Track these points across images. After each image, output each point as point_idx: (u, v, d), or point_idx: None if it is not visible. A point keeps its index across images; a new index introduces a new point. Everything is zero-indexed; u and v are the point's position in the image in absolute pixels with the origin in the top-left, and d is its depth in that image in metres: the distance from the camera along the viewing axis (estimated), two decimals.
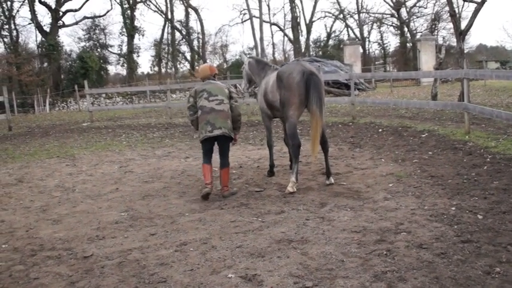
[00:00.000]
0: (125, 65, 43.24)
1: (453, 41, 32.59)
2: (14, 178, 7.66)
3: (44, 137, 13.59)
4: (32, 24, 36.24)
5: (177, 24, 46.36)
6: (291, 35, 47.94)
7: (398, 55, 46.51)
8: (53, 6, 36.28)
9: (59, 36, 37.60)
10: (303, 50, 45.59)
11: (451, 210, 4.45)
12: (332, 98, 18.65)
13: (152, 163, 8.28)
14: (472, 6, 14.91)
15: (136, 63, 43.95)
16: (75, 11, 39.38)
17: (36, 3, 35.76)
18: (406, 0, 43.40)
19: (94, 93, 29.70)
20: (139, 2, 42.46)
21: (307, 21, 48.34)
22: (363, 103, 14.30)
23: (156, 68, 48.86)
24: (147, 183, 6.71)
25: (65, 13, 38.14)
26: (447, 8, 18.76)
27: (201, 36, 47.43)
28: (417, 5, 43.10)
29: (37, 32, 36.55)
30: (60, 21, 38.00)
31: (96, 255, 3.97)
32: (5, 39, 36.33)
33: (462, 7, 30.70)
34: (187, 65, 49.22)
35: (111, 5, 48.98)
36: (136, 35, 42.20)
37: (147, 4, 43.62)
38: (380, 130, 10.16)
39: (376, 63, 48.72)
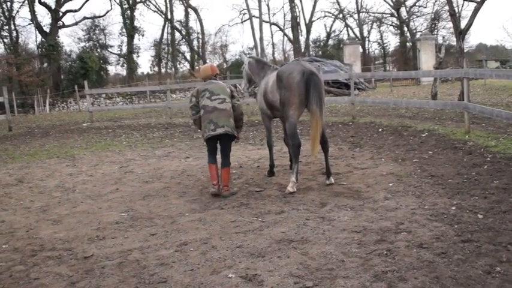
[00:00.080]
0: (125, 65, 43.25)
1: (453, 40, 32.62)
2: (14, 178, 7.66)
3: (44, 138, 13.59)
4: (32, 25, 36.28)
5: (177, 24, 46.37)
6: (290, 35, 47.94)
7: (398, 55, 46.50)
8: (53, 7, 36.28)
9: (58, 37, 37.65)
10: (302, 50, 45.59)
11: (451, 209, 4.45)
12: (332, 97, 18.66)
13: (152, 163, 8.28)
14: (472, 6, 14.91)
15: (136, 64, 43.97)
16: (75, 11, 39.42)
17: (36, 3, 35.78)
18: None
19: (94, 94, 29.69)
20: (139, 2, 42.47)
21: (307, 21, 48.35)
22: (363, 103, 14.30)
23: (156, 68, 48.90)
24: (147, 183, 6.71)
25: (64, 13, 38.15)
26: (447, 7, 18.78)
27: (200, 36, 47.48)
28: (417, 4, 43.12)
29: (37, 32, 36.59)
30: (60, 22, 38.00)
31: (96, 255, 3.97)
32: (5, 40, 36.39)
33: (462, 6, 30.75)
34: (187, 65, 49.27)
35: (111, 5, 49.11)
36: (136, 35, 42.24)
37: (147, 4, 43.67)
38: (380, 130, 10.16)
39: (376, 62, 48.72)
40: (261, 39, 37.00)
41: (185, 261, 3.70)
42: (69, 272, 3.66)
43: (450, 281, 3.05)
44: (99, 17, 42.62)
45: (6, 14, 35.27)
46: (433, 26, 42.52)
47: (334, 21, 51.63)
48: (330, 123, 11.41)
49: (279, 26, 50.60)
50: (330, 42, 51.20)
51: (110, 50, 44.68)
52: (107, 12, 49.19)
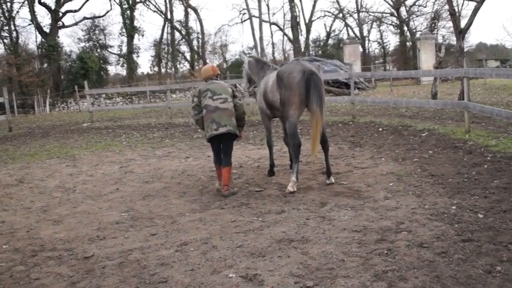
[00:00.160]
0: (125, 65, 43.27)
1: (453, 40, 32.63)
2: (15, 179, 7.66)
3: (44, 138, 13.59)
4: (32, 25, 36.31)
5: (177, 24, 46.38)
6: (290, 35, 47.93)
7: (398, 54, 46.50)
8: (53, 7, 36.29)
9: (58, 37, 37.66)
10: (302, 50, 45.58)
11: (451, 209, 4.45)
12: (332, 97, 18.65)
13: (152, 163, 8.28)
14: (472, 5, 14.91)
15: (136, 64, 43.98)
16: (75, 11, 39.44)
17: (36, 4, 35.80)
18: None
19: (94, 94, 29.70)
20: (139, 3, 42.48)
21: (307, 21, 48.34)
22: (363, 102, 14.30)
23: (156, 68, 48.91)
24: (147, 183, 6.71)
25: (64, 14, 38.16)
26: (447, 7, 18.77)
27: (200, 36, 47.48)
28: (417, 3, 43.11)
29: (37, 32, 36.61)
30: (60, 22, 38.00)
31: (96, 255, 3.97)
32: (5, 40, 36.40)
33: (462, 6, 30.78)
34: (187, 65, 49.28)
35: (111, 6, 49.19)
36: (136, 35, 42.25)
37: (147, 4, 43.68)
38: (380, 129, 10.16)
39: (376, 62, 48.70)
40: (261, 39, 37.00)
41: (185, 261, 3.71)
42: (70, 272, 3.66)
43: (450, 280, 3.05)
44: (99, 17, 42.67)
45: (6, 14, 35.30)
46: (433, 25, 42.51)
47: (334, 21, 51.70)
48: (330, 123, 11.41)
49: (278, 26, 50.64)
50: (330, 41, 51.22)
51: (109, 50, 44.77)
52: (107, 12, 49.22)
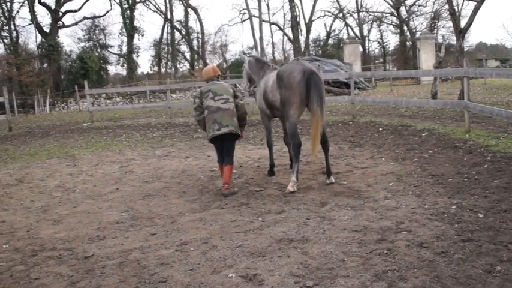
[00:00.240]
0: (125, 65, 43.25)
1: (453, 40, 32.62)
2: (15, 178, 7.66)
3: (44, 138, 13.59)
4: (32, 25, 36.28)
5: (177, 24, 46.37)
6: (290, 35, 47.92)
7: (398, 54, 46.48)
8: (53, 7, 36.27)
9: (58, 37, 37.64)
10: (302, 49, 45.57)
11: (451, 209, 4.45)
12: (332, 97, 18.65)
13: (152, 163, 8.28)
14: (472, 5, 14.91)
15: (136, 63, 43.97)
16: (75, 11, 39.42)
17: (36, 4, 35.77)
18: None
19: (94, 94, 29.69)
20: (139, 2, 42.46)
21: (307, 21, 48.33)
22: (363, 102, 14.30)
23: (156, 68, 48.89)
24: (147, 183, 6.71)
25: (64, 14, 38.15)
26: (447, 7, 18.76)
27: (200, 36, 47.47)
28: (417, 3, 43.08)
29: (37, 32, 36.58)
30: (60, 22, 37.99)
31: (96, 255, 3.97)
32: (5, 40, 36.38)
33: (462, 5, 30.76)
34: (187, 65, 49.28)
35: (111, 5, 49.19)
36: (136, 35, 42.23)
37: (147, 4, 43.65)
38: (380, 129, 10.16)
39: (376, 62, 48.66)
40: (261, 38, 36.99)
41: (185, 260, 3.71)
42: (70, 272, 3.66)
43: (450, 280, 3.04)
44: (99, 17, 42.65)
45: (6, 14, 35.27)
46: (433, 25, 42.50)
47: (334, 21, 51.66)
48: (330, 123, 11.41)
49: (278, 26, 50.63)
50: (330, 41, 51.20)
51: (109, 50, 44.75)
52: (107, 12, 49.18)
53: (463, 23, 15.86)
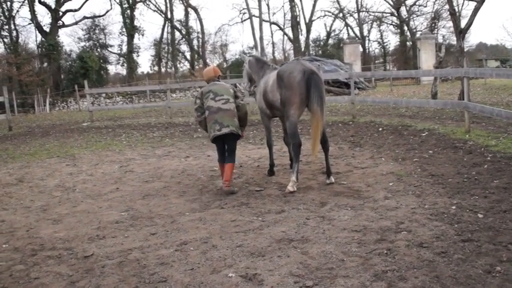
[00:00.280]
0: (125, 65, 43.23)
1: (453, 40, 32.60)
2: (15, 178, 7.66)
3: (44, 137, 13.59)
4: (32, 25, 36.26)
5: (177, 24, 46.35)
6: (290, 34, 47.91)
7: (398, 54, 46.47)
8: (53, 7, 36.27)
9: (58, 36, 37.64)
10: (302, 49, 45.57)
11: (451, 209, 4.45)
12: (332, 97, 18.65)
13: (152, 163, 8.28)
14: (472, 5, 14.92)
15: (136, 63, 43.96)
16: (75, 11, 39.42)
17: (36, 3, 35.77)
18: None
19: (94, 93, 29.69)
20: (139, 2, 42.46)
21: (307, 20, 48.32)
22: (363, 102, 14.30)
23: (156, 68, 48.88)
24: (147, 182, 6.71)
25: (64, 13, 38.14)
26: (447, 7, 18.76)
27: (200, 36, 47.46)
28: (417, 3, 43.06)
29: (37, 32, 36.58)
30: (60, 21, 37.98)
31: (96, 254, 3.97)
32: (5, 40, 36.37)
33: (462, 5, 30.71)
34: (187, 65, 49.26)
35: (111, 5, 49.05)
36: (136, 35, 42.24)
37: (147, 4, 43.63)
38: (380, 129, 10.16)
39: (376, 62, 48.66)
40: (261, 38, 37.03)
41: (185, 260, 3.71)
42: (69, 272, 3.66)
43: (450, 280, 3.05)
44: (99, 16, 42.63)
45: (6, 13, 35.26)
46: (433, 25, 42.49)
47: (334, 21, 51.65)
48: (330, 123, 11.41)
49: (279, 26, 50.62)
50: (330, 41, 51.18)
51: (109, 49, 44.70)
52: (107, 11, 49.21)
53: (463, 23, 15.86)
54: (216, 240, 4.10)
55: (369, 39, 51.66)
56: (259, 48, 36.07)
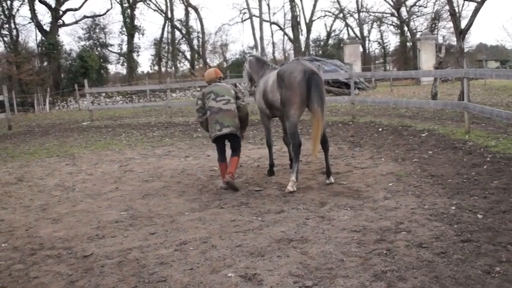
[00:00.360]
0: (125, 64, 43.21)
1: (453, 40, 32.58)
2: (14, 177, 7.66)
3: (44, 136, 13.59)
4: (32, 24, 36.21)
5: (177, 23, 46.32)
6: (291, 34, 47.91)
7: (398, 54, 46.49)
8: (53, 6, 36.23)
9: (59, 36, 37.58)
10: (303, 49, 45.57)
11: (451, 209, 4.45)
12: (332, 97, 18.65)
13: (152, 162, 8.28)
14: (472, 5, 14.91)
15: (136, 62, 43.93)
16: (75, 10, 39.37)
17: (36, 2, 35.72)
18: None
19: (94, 92, 29.68)
20: (140, 1, 42.44)
21: (307, 20, 48.31)
22: (363, 102, 14.30)
23: (156, 67, 48.85)
24: (147, 182, 6.71)
25: (65, 12, 38.11)
26: (447, 7, 18.75)
27: (201, 35, 47.42)
28: (417, 4, 43.10)
29: (37, 31, 36.52)
30: (60, 21, 37.94)
31: (95, 254, 3.97)
32: (5, 38, 36.31)
33: (462, 6, 30.68)
34: (187, 64, 49.22)
35: (111, 4, 48.89)
36: (136, 34, 42.21)
37: (147, 3, 43.59)
38: (380, 129, 10.16)
39: (376, 62, 48.68)
40: (261, 38, 37.05)
41: (185, 260, 3.70)
42: (69, 271, 3.66)
43: (449, 280, 3.05)
44: (100, 15, 42.61)
45: (7, 12, 35.22)
46: (433, 25, 42.52)
47: (334, 21, 51.65)
48: (330, 123, 11.41)
49: (279, 25, 50.61)
50: (330, 41, 51.17)
51: (110, 48, 44.66)
52: (107, 11, 49.39)
53: (463, 23, 15.86)
54: (216, 240, 4.09)
55: (369, 40, 51.74)
56: (259, 48, 36.09)
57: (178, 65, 49.20)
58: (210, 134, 5.94)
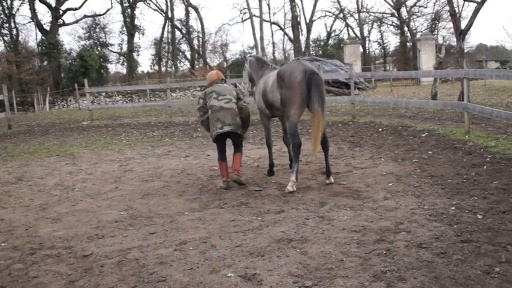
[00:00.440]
0: (125, 64, 43.20)
1: (453, 41, 32.57)
2: (14, 176, 7.65)
3: (44, 136, 13.58)
4: (32, 23, 36.17)
5: (177, 23, 46.31)
6: (291, 34, 47.89)
7: (399, 54, 46.47)
8: (53, 5, 36.20)
9: (59, 35, 37.54)
10: (303, 49, 45.55)
11: (450, 209, 4.45)
12: (332, 97, 18.65)
13: (152, 162, 8.28)
14: (472, 6, 14.90)
15: (136, 62, 43.90)
16: (76, 9, 39.33)
17: (36, 1, 35.67)
18: None
19: (94, 92, 29.66)
20: (140, 1, 42.41)
21: (307, 21, 48.30)
22: (363, 102, 14.30)
23: (156, 67, 48.83)
24: (146, 182, 6.71)
25: (65, 12, 38.08)
26: (447, 8, 18.76)
27: (201, 35, 47.40)
28: (417, 4, 43.08)
29: (37, 30, 36.48)
30: (60, 20, 37.91)
31: (95, 254, 3.97)
32: (5, 38, 36.29)
33: (462, 6, 30.71)
34: (187, 64, 49.21)
35: (111, 4, 48.88)
36: (137, 34, 42.19)
37: (147, 3, 43.58)
38: (380, 129, 10.16)
39: (376, 62, 48.68)
40: (262, 38, 37.02)
41: (184, 260, 3.70)
42: (68, 271, 3.66)
43: (449, 281, 3.05)
44: (100, 15, 42.60)
45: (7, 11, 35.21)
46: (433, 26, 42.51)
47: (334, 21, 51.62)
48: (330, 123, 11.41)
49: (279, 25, 50.60)
50: (330, 41, 51.16)
51: (110, 48, 44.65)
52: (108, 10, 49.31)
53: (463, 24, 15.86)
54: (215, 240, 4.09)
55: (369, 40, 51.71)
56: (259, 48, 36.10)
57: (178, 64, 49.22)
58: (212, 132, 5.97)
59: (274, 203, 5.12)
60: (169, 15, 44.73)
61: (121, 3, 40.39)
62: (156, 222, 4.76)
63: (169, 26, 45.70)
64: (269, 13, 50.09)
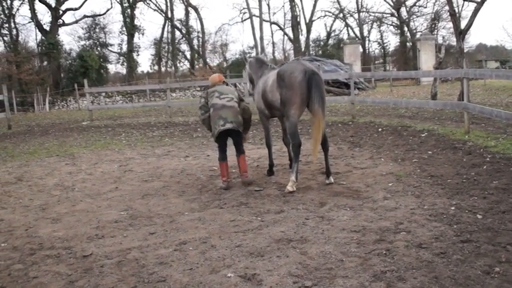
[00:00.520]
0: (125, 64, 43.19)
1: (453, 41, 32.60)
2: (14, 177, 7.65)
3: (44, 136, 13.58)
4: (32, 23, 36.18)
5: (177, 23, 46.32)
6: (290, 34, 47.91)
7: (398, 54, 46.48)
8: (53, 5, 36.21)
9: (58, 35, 37.56)
10: (302, 49, 45.56)
11: (450, 209, 4.45)
12: (332, 97, 18.65)
13: (152, 162, 8.28)
14: (472, 6, 14.91)
15: (136, 62, 43.90)
16: (75, 9, 39.35)
17: (36, 1, 35.69)
18: None
19: (94, 92, 29.67)
20: (140, 1, 42.42)
21: (307, 20, 48.30)
22: (363, 102, 14.30)
23: (156, 67, 48.83)
24: (146, 182, 6.71)
25: (65, 12, 38.09)
26: (447, 8, 18.75)
27: (201, 35, 47.42)
28: (417, 4, 43.09)
29: (37, 30, 36.49)
30: (60, 20, 37.92)
31: (95, 254, 3.97)
32: (5, 38, 36.29)
33: (462, 6, 30.65)
34: (187, 64, 49.21)
35: (111, 4, 48.89)
36: (136, 34, 42.20)
37: (147, 3, 43.59)
38: (380, 129, 10.16)
39: (376, 62, 48.68)
40: (261, 38, 37.09)
41: (184, 260, 3.70)
42: (68, 271, 3.66)
43: (449, 281, 3.05)
44: (100, 15, 42.59)
45: (7, 12, 35.21)
46: (433, 26, 42.52)
47: (334, 21, 51.65)
48: (329, 123, 11.40)
49: (279, 25, 50.60)
50: (330, 41, 51.17)
51: (110, 48, 44.65)
52: (107, 10, 49.33)
53: (463, 24, 15.86)
54: (215, 240, 4.09)
55: (369, 40, 51.71)
56: (259, 48, 36.12)
57: (178, 64, 49.23)
58: (213, 130, 5.99)
59: (274, 203, 5.12)
60: (169, 15, 44.75)
61: (121, 4, 40.41)
62: (156, 222, 4.76)
63: (169, 26, 45.72)
64: (269, 13, 50.18)
